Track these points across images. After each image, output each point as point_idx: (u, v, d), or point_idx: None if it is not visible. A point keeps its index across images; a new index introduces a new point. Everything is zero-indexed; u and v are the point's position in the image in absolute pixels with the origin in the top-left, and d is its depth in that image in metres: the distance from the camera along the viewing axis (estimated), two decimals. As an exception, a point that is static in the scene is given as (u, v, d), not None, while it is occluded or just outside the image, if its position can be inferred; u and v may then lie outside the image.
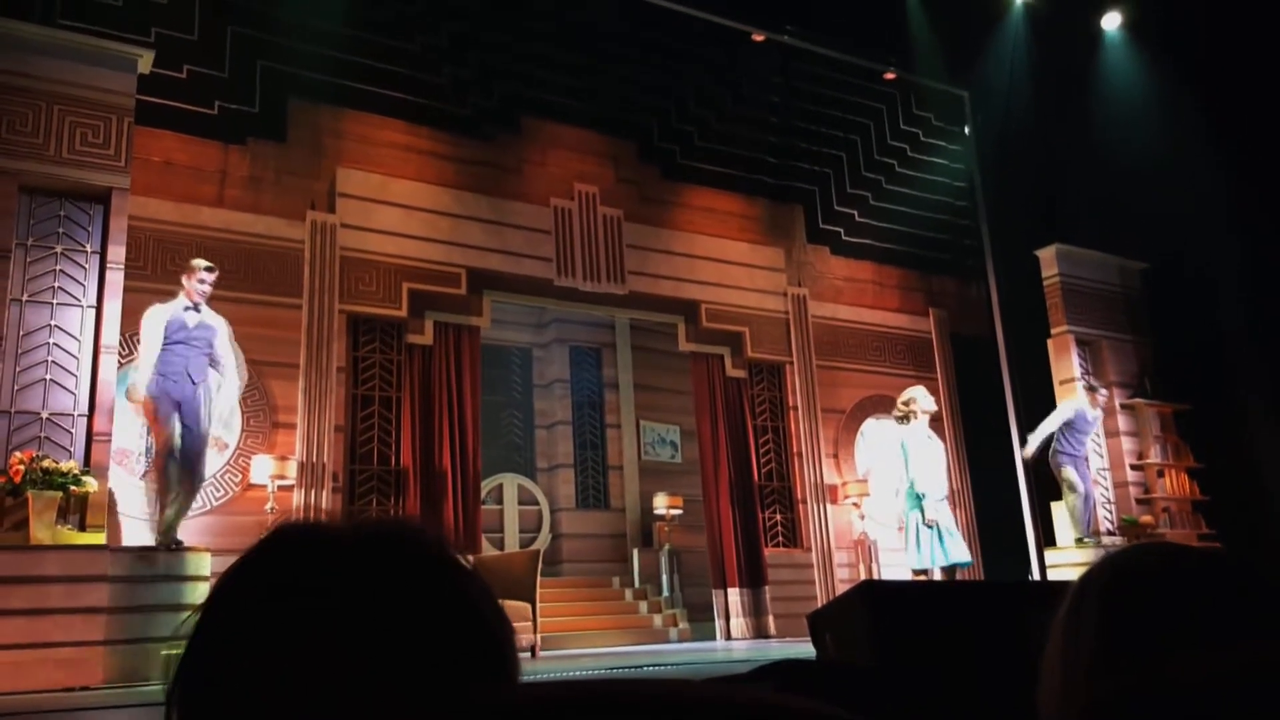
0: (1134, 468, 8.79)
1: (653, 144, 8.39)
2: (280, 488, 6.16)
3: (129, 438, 5.89)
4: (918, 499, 6.30)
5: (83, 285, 5.43)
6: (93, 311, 5.39)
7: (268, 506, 6.02)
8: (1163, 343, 9.20)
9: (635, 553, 8.81)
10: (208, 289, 5.45)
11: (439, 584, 0.52)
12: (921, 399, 6.49)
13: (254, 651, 0.49)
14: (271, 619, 0.49)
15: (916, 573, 6.32)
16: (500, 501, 9.22)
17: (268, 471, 6.09)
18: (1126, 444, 8.85)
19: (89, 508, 5.11)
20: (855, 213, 9.32)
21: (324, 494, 6.34)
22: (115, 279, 5.45)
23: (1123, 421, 8.90)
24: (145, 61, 5.81)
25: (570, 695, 0.40)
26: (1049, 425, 7.67)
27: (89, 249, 5.49)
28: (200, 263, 5.50)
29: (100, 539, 5.04)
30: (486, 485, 8.76)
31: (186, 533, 5.55)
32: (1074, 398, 7.89)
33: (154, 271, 6.07)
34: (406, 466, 6.70)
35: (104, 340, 5.35)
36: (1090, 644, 0.68)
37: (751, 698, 0.41)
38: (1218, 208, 8.02)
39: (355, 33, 7.08)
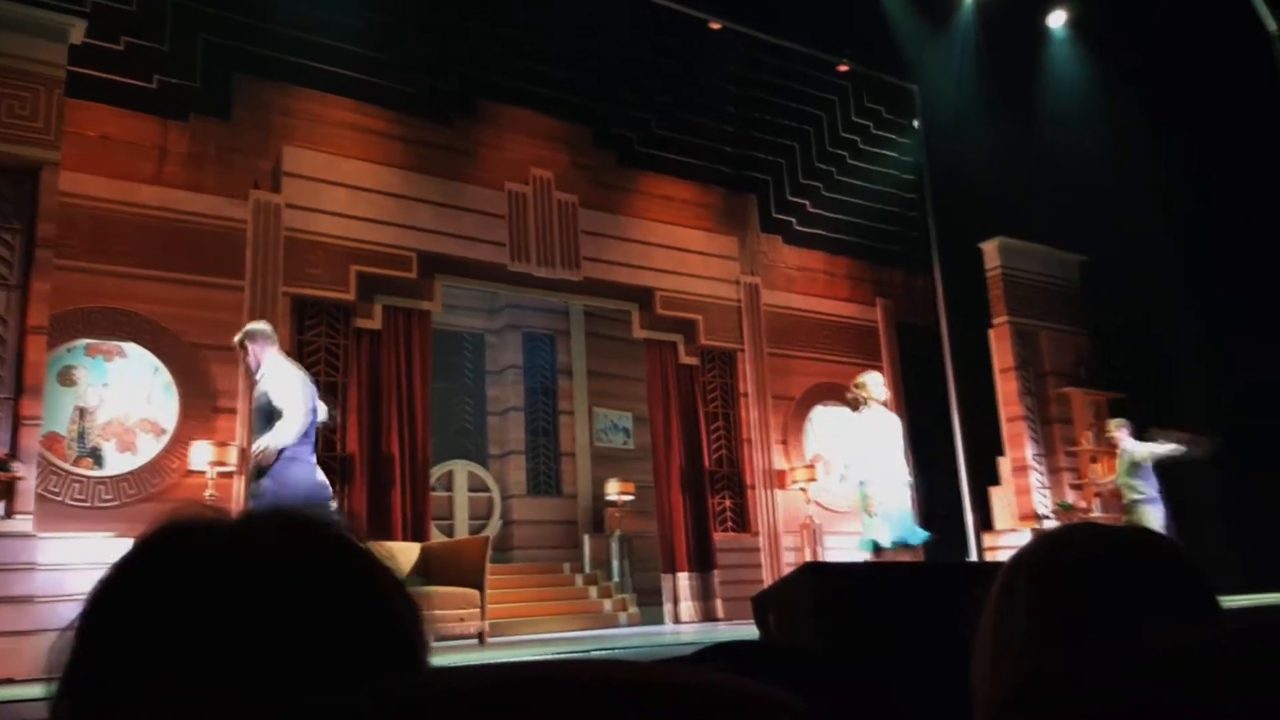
0: (1068, 454, 8.88)
1: (609, 130, 8.24)
2: (220, 474, 5.88)
3: (60, 422, 5.57)
4: (863, 484, 6.27)
5: (10, 264, 5.08)
6: (19, 291, 5.06)
7: (207, 493, 5.75)
8: (1098, 334, 9.32)
9: (586, 539, 8.74)
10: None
11: (337, 573, 0.50)
12: (873, 386, 6.41)
13: (140, 653, 0.46)
14: (157, 617, 0.47)
15: (871, 549, 6.25)
16: (450, 488, 9.08)
17: (207, 457, 5.82)
18: (1061, 431, 8.91)
19: (16, 495, 4.85)
20: (807, 203, 9.27)
21: (268, 480, 6.06)
22: (44, 257, 5.14)
23: (1057, 409, 8.97)
24: (77, 31, 5.48)
25: (477, 682, 0.38)
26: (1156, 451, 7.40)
27: (17, 226, 5.14)
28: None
29: (28, 526, 4.79)
30: (436, 472, 8.61)
31: (121, 520, 5.27)
32: (1128, 443, 7.42)
33: (87, 250, 5.73)
34: (353, 453, 6.50)
35: (31, 321, 5.05)
36: (1021, 622, 0.68)
37: (682, 677, 0.40)
38: (1154, 203, 8.12)
39: (303, 7, 6.76)
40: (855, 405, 6.38)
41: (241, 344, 4.72)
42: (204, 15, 6.41)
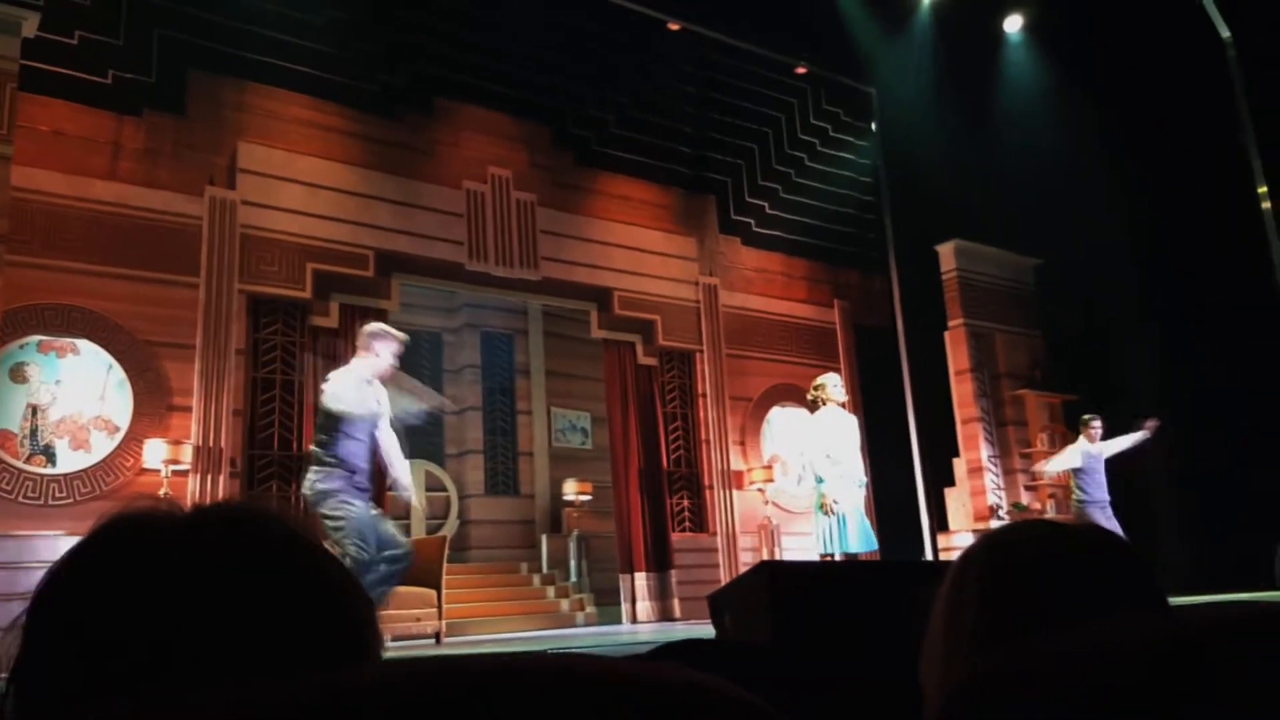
0: (1023, 455, 9.24)
1: (567, 130, 8.40)
2: (175, 472, 6.01)
3: (11, 419, 5.67)
4: (822, 482, 6.52)
5: (-40, 259, 5.19)
6: (-30, 287, 5.17)
7: (161, 491, 5.88)
8: (1053, 337, 9.66)
9: (544, 538, 8.87)
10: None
11: (286, 566, 0.51)
12: (830, 386, 6.67)
13: (87, 646, 0.47)
14: (104, 610, 0.48)
15: (823, 555, 6.49)
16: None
17: (160, 455, 5.95)
18: (1016, 433, 9.29)
19: (-34, 492, 4.93)
20: (766, 204, 9.52)
21: (221, 479, 6.21)
22: (-4, 253, 5.24)
23: (1012, 411, 9.34)
24: (30, 24, 5.58)
25: (431, 671, 0.38)
26: (1060, 465, 7.62)
27: (-33, 220, 5.25)
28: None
29: (-22, 525, 4.87)
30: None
31: (75, 518, 5.39)
32: (1075, 443, 7.55)
33: (40, 246, 5.84)
34: (308, 451, 6.58)
35: (-17, 317, 5.13)
36: (970, 619, 0.70)
37: (634, 670, 0.40)
38: (1109, 207, 8.45)
39: (260, 3, 6.90)
40: (814, 406, 6.66)
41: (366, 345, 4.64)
42: (159, 10, 6.51)
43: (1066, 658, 0.47)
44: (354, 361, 4.76)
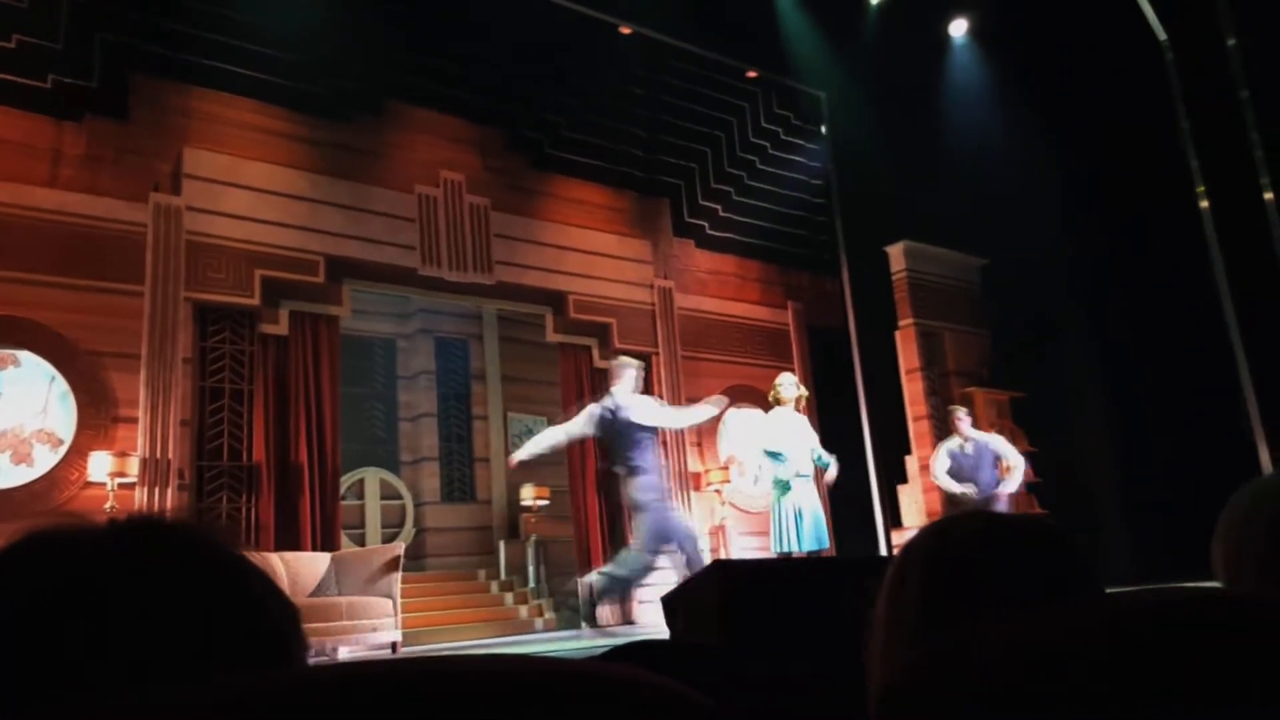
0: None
1: (520, 133, 8.41)
2: (121, 485, 5.93)
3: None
4: (778, 483, 6.60)
5: (-107, 269, 5.07)
6: (-96, 298, 5.05)
7: (107, 505, 5.79)
8: (999, 334, 9.89)
9: (502, 545, 8.86)
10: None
11: (200, 574, 0.51)
12: (783, 386, 6.73)
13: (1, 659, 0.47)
14: (13, 623, 0.47)
15: (781, 555, 6.55)
16: (361, 496, 9.11)
17: (106, 469, 5.86)
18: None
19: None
20: (719, 207, 9.62)
21: (169, 491, 6.13)
22: (-69, 262, 5.12)
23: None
24: (-35, 28, 5.46)
25: (358, 676, 0.37)
26: (941, 476, 7.12)
27: (-99, 230, 5.14)
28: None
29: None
30: (347, 480, 8.65)
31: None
32: (946, 440, 7.30)
33: (-23, 255, 5.72)
34: (259, 462, 6.55)
35: (-81, 329, 5.02)
36: (912, 608, 0.71)
37: (579, 668, 0.40)
38: (1051, 207, 8.72)
39: (204, 6, 6.83)
40: (771, 405, 6.76)
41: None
42: (100, 13, 6.41)
43: (1006, 641, 0.48)
44: (620, 386, 5.84)
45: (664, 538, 5.67)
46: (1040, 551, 0.73)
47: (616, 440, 5.69)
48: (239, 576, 0.52)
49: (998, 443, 7.29)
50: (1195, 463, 7.00)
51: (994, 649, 0.49)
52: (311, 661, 0.67)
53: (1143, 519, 7.99)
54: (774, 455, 6.67)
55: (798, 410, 6.87)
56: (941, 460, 7.23)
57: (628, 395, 5.79)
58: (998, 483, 7.03)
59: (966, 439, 7.16)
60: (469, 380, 9.85)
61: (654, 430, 5.71)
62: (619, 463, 5.67)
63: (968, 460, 7.07)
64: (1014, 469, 7.13)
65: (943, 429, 9.39)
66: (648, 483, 5.69)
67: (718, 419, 8.83)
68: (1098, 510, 8.42)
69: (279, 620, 0.53)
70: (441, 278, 7.73)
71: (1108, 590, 0.71)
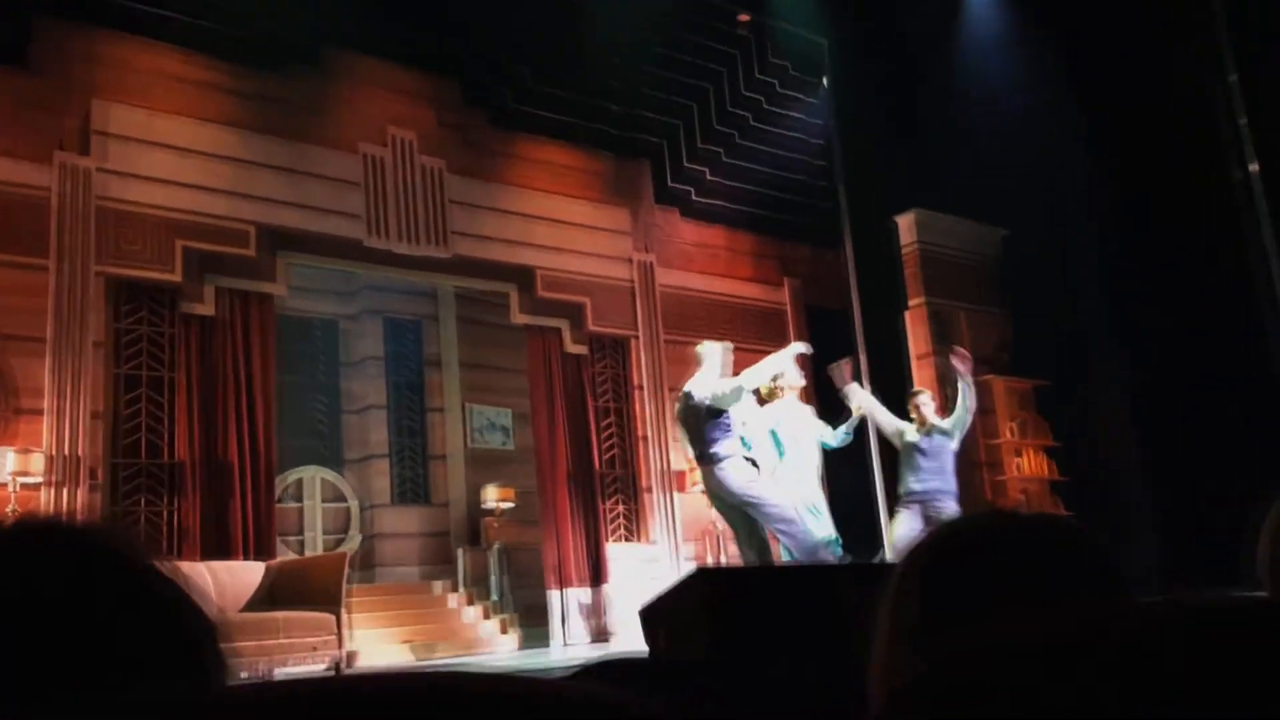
0: (989, 447, 9.49)
1: (479, 86, 8.35)
2: (25, 486, 5.84)
3: None
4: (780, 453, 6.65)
5: None
6: None
7: (9, 508, 5.70)
8: (1021, 315, 9.92)
9: (461, 552, 8.88)
10: None
11: (102, 586, 0.52)
12: (790, 374, 6.78)
13: None
14: None
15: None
16: (301, 499, 9.10)
17: (7, 467, 5.77)
18: (981, 423, 9.47)
19: None
20: (706, 171, 9.60)
21: (79, 493, 6.06)
22: None
23: (977, 399, 9.52)
24: None
25: (275, 694, 0.38)
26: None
27: None
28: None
29: None
30: (283, 480, 8.65)
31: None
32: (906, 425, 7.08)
33: None
34: (184, 460, 6.51)
35: None
36: (917, 615, 0.72)
37: (536, 688, 0.39)
38: (1079, 172, 8.70)
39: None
40: (773, 395, 6.77)
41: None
42: (-7, -55, 6.30)
43: (1016, 652, 0.49)
44: (705, 369, 6.00)
45: (789, 518, 5.82)
46: (1060, 554, 0.74)
47: (696, 430, 5.87)
48: (145, 586, 0.53)
49: (942, 424, 7.04)
50: (1234, 461, 7.04)
51: (1007, 656, 0.49)
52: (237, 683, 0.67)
53: (1176, 522, 8.07)
54: (777, 445, 6.70)
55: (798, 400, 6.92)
56: (895, 423, 6.97)
57: (697, 380, 5.96)
58: (957, 489, 6.89)
59: (927, 428, 6.95)
60: (423, 367, 9.85)
61: (726, 413, 5.84)
62: (702, 454, 5.85)
63: (928, 446, 6.87)
64: (959, 410, 7.00)
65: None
66: (739, 468, 5.84)
67: None
68: (1126, 511, 8.46)
69: (191, 636, 0.53)
70: (391, 250, 7.71)
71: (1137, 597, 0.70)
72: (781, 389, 6.79)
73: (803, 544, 5.82)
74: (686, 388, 5.98)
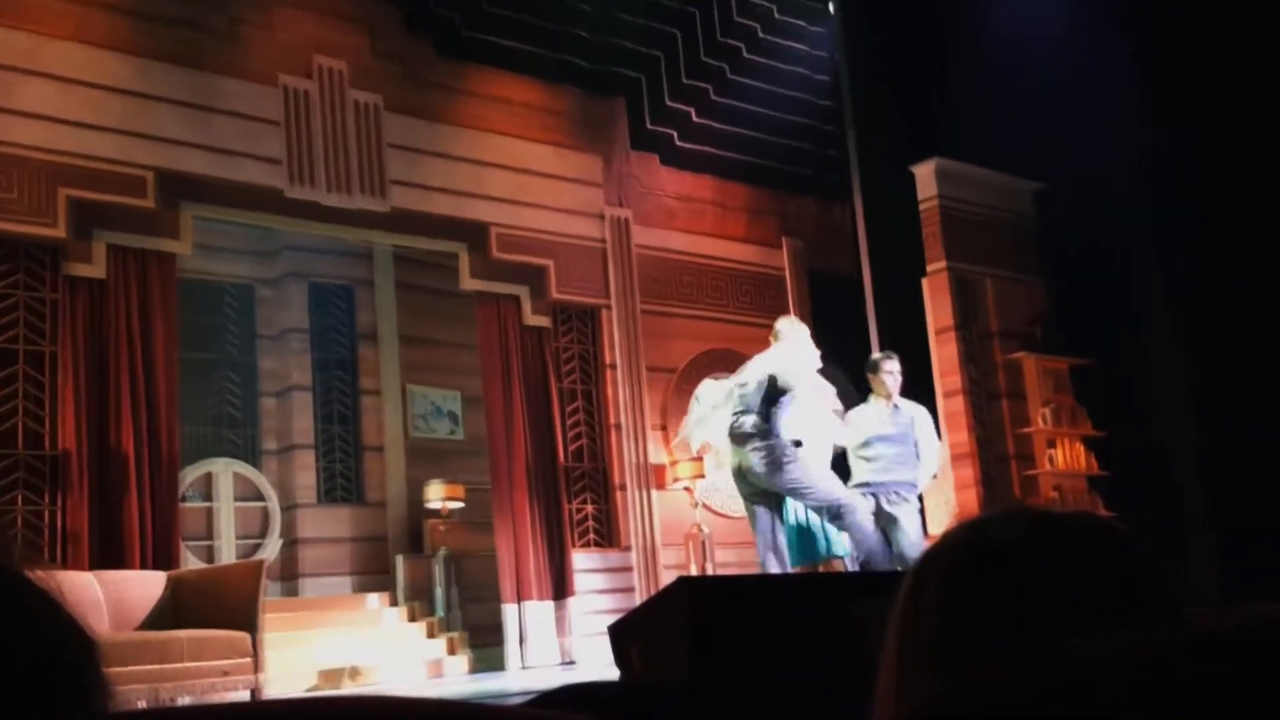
0: (1019, 437, 9.49)
1: (424, 6, 8.30)
2: None
3: None
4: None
5: None
6: None
7: None
8: (1058, 283, 9.92)
9: (400, 560, 8.90)
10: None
11: None
12: (795, 336, 6.78)
13: None
14: None
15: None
16: (210, 497, 9.07)
17: None
18: (1011, 408, 9.55)
19: None
20: (692, 111, 9.58)
21: (-59, 490, 6.00)
22: None
23: (1007, 380, 9.59)
24: None
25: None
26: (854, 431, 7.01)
27: None
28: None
29: None
30: (189, 475, 8.64)
31: None
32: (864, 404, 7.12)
33: None
34: (69, 450, 6.47)
35: None
36: (932, 633, 0.73)
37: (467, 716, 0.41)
38: (1131, 116, 8.69)
39: None
40: None
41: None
42: None
43: (1044, 681, 0.49)
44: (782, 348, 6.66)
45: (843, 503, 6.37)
46: (1102, 563, 0.74)
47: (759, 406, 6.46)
48: (11, 599, 0.53)
49: (919, 418, 7.03)
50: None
51: (1033, 686, 0.50)
52: (129, 710, 0.70)
53: (1239, 526, 8.13)
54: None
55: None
56: (855, 432, 6.91)
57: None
58: (915, 476, 6.87)
59: (894, 404, 6.93)
60: (355, 342, 9.85)
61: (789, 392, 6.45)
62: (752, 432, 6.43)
63: (889, 431, 6.83)
64: (925, 458, 6.94)
65: (983, 407, 9.45)
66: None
67: (685, 393, 8.82)
68: (1181, 513, 8.53)
69: (66, 657, 0.54)
70: (317, 203, 7.68)
71: (1189, 610, 0.74)
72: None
73: (860, 534, 6.33)
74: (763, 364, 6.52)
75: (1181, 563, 7.99)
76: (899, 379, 7.00)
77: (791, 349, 6.52)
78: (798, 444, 6.41)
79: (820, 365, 6.73)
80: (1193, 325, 8.68)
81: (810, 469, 6.34)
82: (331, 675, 7.33)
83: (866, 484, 6.78)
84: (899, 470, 6.82)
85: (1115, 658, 0.50)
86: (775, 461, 6.23)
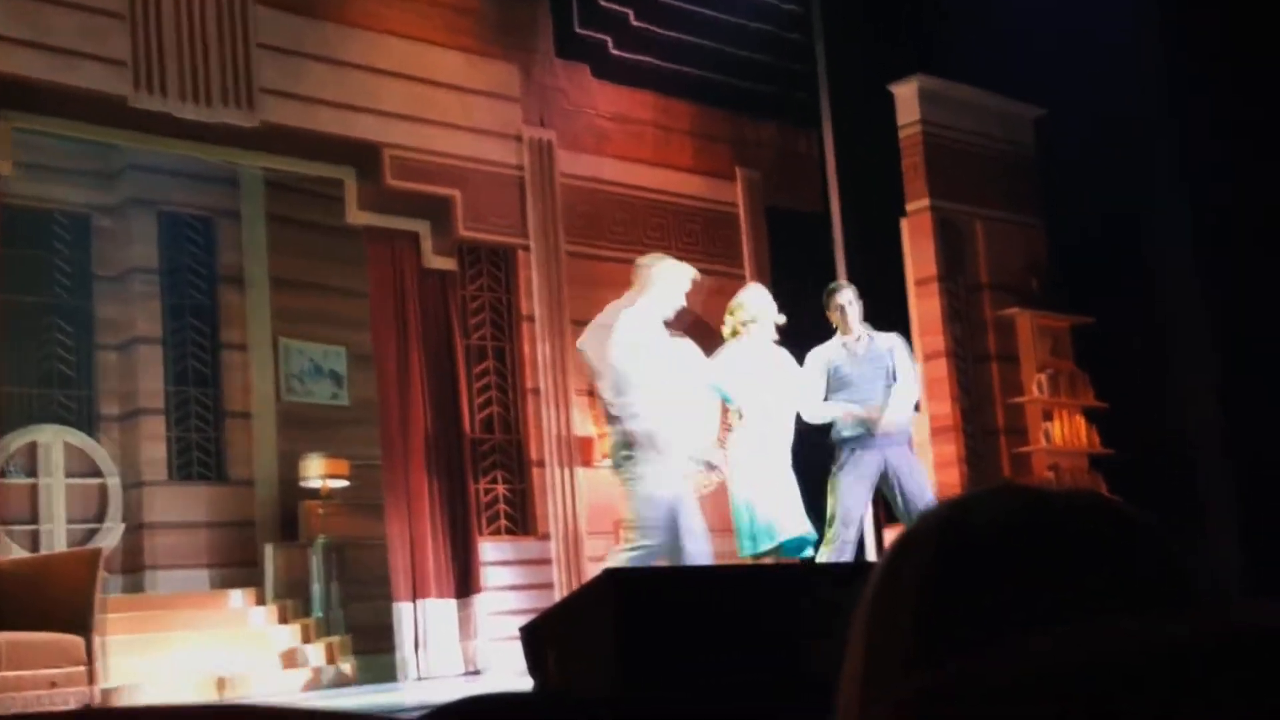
0: (1011, 408, 9.63)
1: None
2: None
3: None
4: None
5: None
6: None
7: None
8: (1060, 228, 10.03)
9: (270, 550, 8.89)
10: None
11: None
12: (753, 305, 7.00)
13: None
14: None
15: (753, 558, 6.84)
16: (35, 473, 8.96)
17: None
18: (1001, 374, 9.67)
19: None
20: (630, 13, 9.55)
21: None
22: None
23: (999, 340, 9.70)
24: None
25: None
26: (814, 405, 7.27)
27: None
28: None
29: None
30: (10, 444, 8.67)
31: None
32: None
33: None
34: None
35: None
36: (907, 628, 0.74)
37: None
38: (1148, 27, 8.78)
39: None
40: (736, 335, 7.02)
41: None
42: None
43: (1037, 676, 0.50)
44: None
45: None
46: (1107, 548, 0.75)
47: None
48: None
49: (897, 346, 7.35)
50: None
51: (1024, 682, 0.50)
52: None
53: (1262, 513, 8.28)
54: (725, 397, 6.86)
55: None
56: (813, 375, 7.18)
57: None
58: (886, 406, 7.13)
59: (855, 336, 7.21)
60: (216, 286, 9.79)
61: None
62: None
63: (855, 369, 7.11)
64: (904, 387, 7.20)
65: (970, 371, 9.54)
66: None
67: None
68: (1198, 498, 8.68)
69: None
70: (170, 114, 7.56)
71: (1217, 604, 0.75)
72: (750, 325, 6.94)
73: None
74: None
75: (1196, 553, 8.12)
76: (857, 307, 7.21)
77: (663, 291, 6.38)
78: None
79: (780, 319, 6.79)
80: (1217, 278, 8.80)
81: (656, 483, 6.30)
82: (186, 687, 7.30)
83: (844, 440, 7.01)
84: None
85: (1130, 650, 0.51)
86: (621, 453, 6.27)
